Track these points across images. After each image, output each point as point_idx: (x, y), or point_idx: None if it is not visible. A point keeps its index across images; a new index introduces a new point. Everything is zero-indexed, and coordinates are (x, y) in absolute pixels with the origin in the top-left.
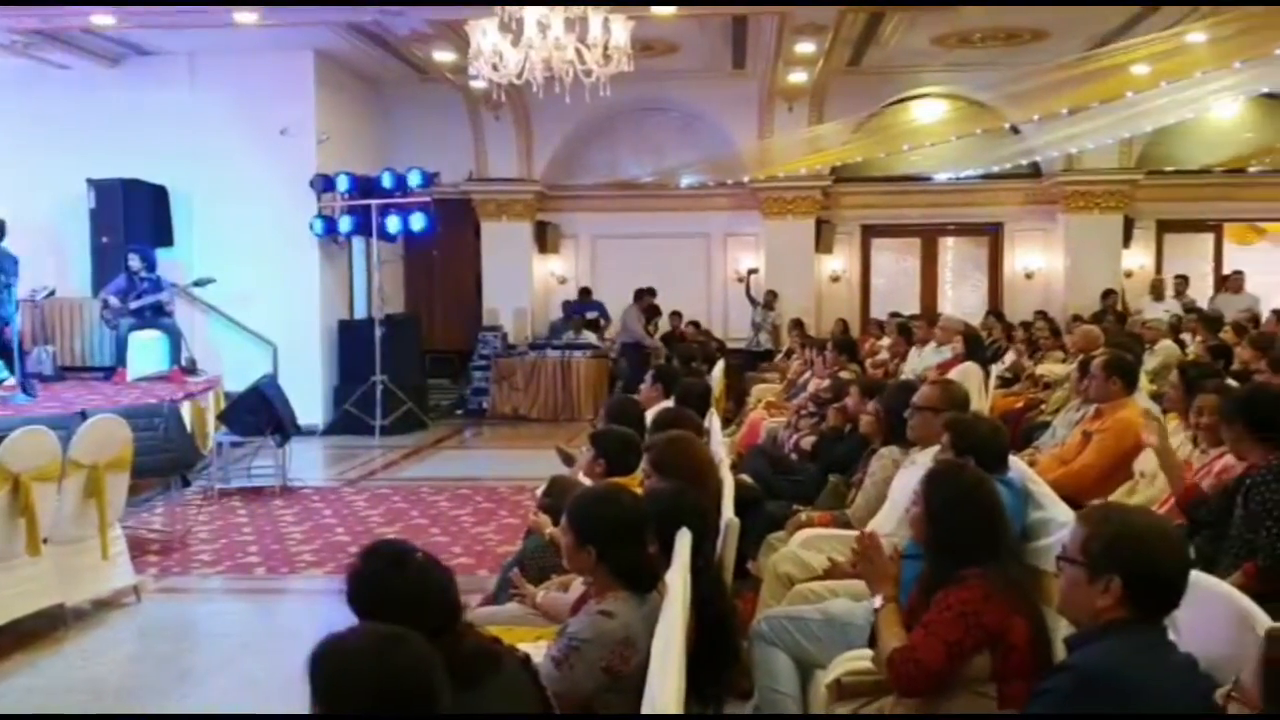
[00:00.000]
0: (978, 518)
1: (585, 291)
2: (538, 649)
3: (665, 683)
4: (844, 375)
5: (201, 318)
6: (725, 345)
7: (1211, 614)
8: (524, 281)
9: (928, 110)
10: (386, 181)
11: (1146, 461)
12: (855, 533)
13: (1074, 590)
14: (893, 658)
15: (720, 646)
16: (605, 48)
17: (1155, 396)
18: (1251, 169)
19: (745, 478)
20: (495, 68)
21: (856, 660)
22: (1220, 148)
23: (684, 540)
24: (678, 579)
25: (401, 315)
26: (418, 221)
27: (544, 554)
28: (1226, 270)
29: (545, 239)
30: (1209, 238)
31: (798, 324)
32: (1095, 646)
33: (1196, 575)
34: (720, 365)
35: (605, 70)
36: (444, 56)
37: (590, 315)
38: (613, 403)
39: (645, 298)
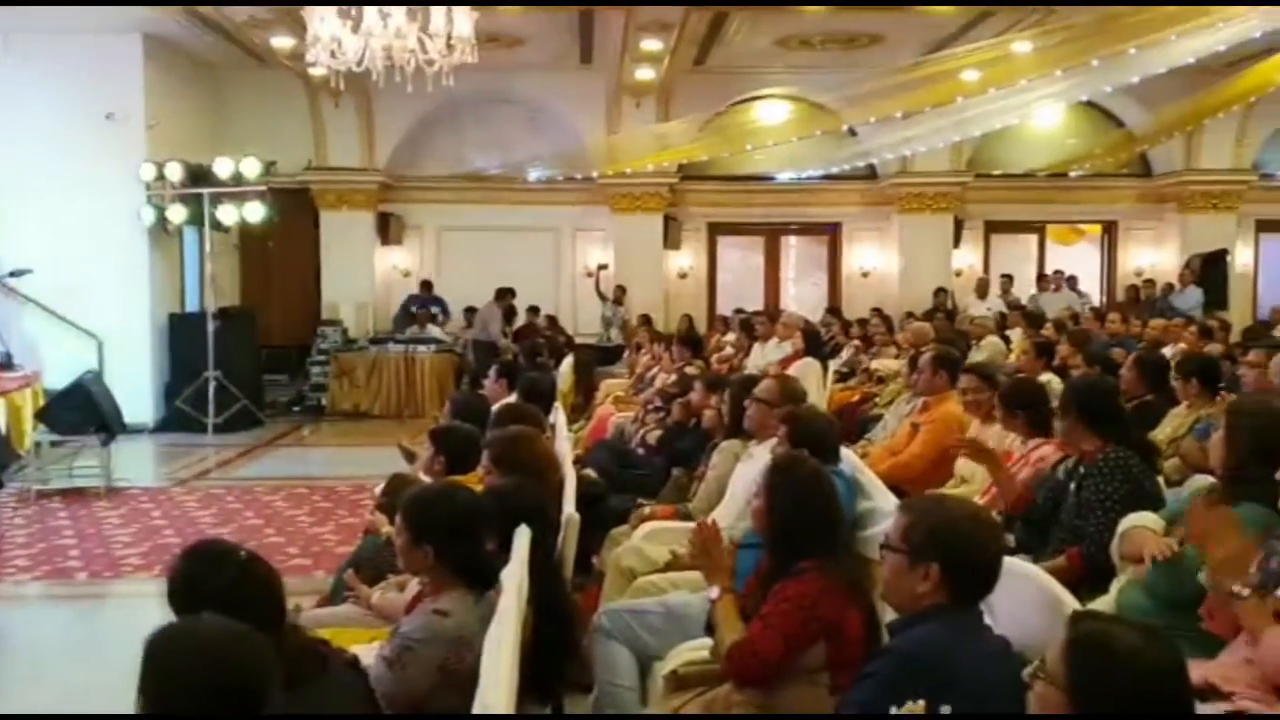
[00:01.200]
0: (817, 510)
1: (426, 285)
2: (371, 650)
3: (496, 680)
4: (691, 370)
5: (19, 310)
6: (574, 340)
7: (1024, 598)
8: (366, 274)
9: (771, 111)
10: (221, 169)
11: (966, 465)
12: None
13: (896, 577)
14: (731, 651)
15: (559, 642)
16: (448, 38)
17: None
18: (1072, 173)
19: (590, 473)
20: (334, 55)
21: (694, 651)
22: (1044, 152)
23: (523, 537)
24: (514, 576)
25: (236, 309)
26: (254, 211)
27: (381, 554)
28: (1049, 269)
29: (388, 230)
30: (1033, 238)
31: (646, 320)
32: (915, 630)
33: (1010, 561)
34: (569, 360)
35: (448, 61)
36: (282, 42)
37: (430, 310)
38: (457, 399)
39: (506, 298)
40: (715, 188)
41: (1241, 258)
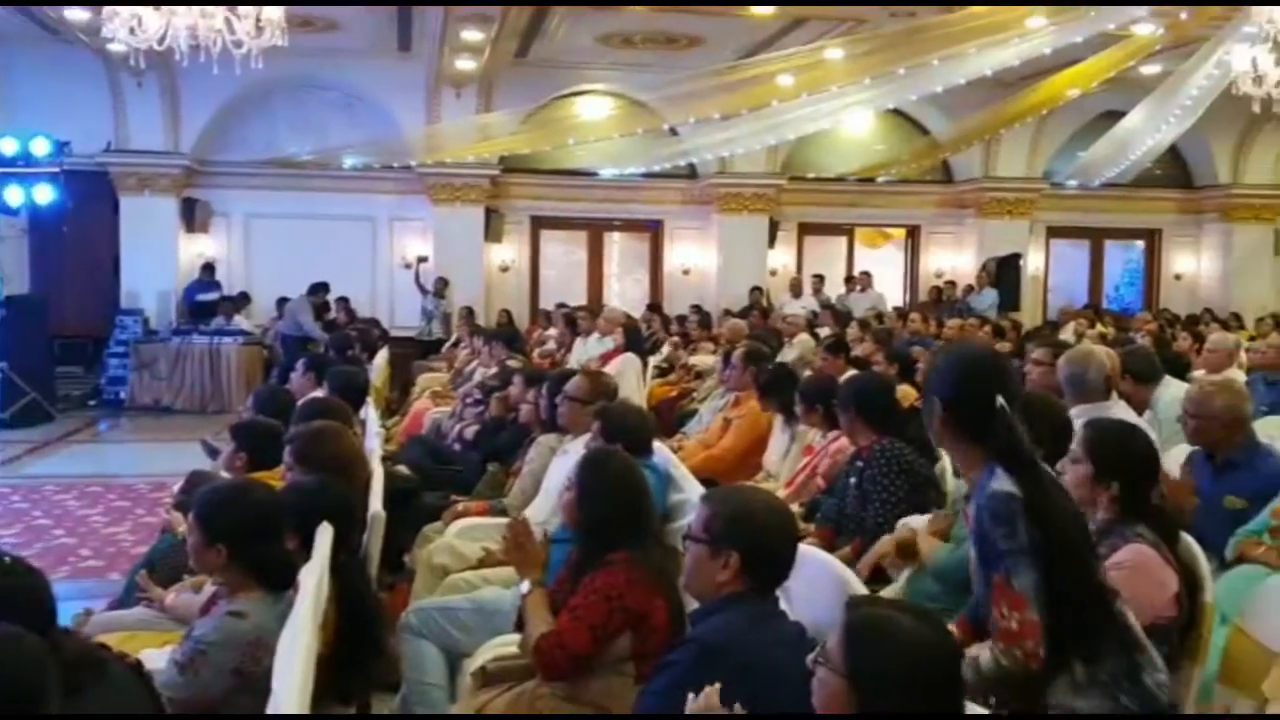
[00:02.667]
0: (626, 503)
1: (208, 268)
2: (164, 654)
3: (289, 681)
4: (512, 364)
5: None
6: (389, 334)
7: (818, 584)
8: (169, 262)
9: (594, 107)
10: (8, 148)
11: (771, 461)
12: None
13: (697, 566)
14: (539, 644)
15: (363, 641)
16: (257, 19)
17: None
18: (880, 179)
19: (402, 469)
20: (133, 31)
21: (503, 647)
22: (854, 158)
23: (325, 535)
24: (313, 574)
25: (25, 296)
26: (45, 193)
27: (177, 553)
28: (857, 270)
29: (193, 217)
30: (843, 240)
31: (467, 313)
32: (715, 619)
33: (805, 548)
34: (383, 354)
35: (257, 43)
36: (76, 14)
37: (209, 297)
38: (261, 392)
39: (320, 293)
40: (538, 181)
41: (1034, 261)
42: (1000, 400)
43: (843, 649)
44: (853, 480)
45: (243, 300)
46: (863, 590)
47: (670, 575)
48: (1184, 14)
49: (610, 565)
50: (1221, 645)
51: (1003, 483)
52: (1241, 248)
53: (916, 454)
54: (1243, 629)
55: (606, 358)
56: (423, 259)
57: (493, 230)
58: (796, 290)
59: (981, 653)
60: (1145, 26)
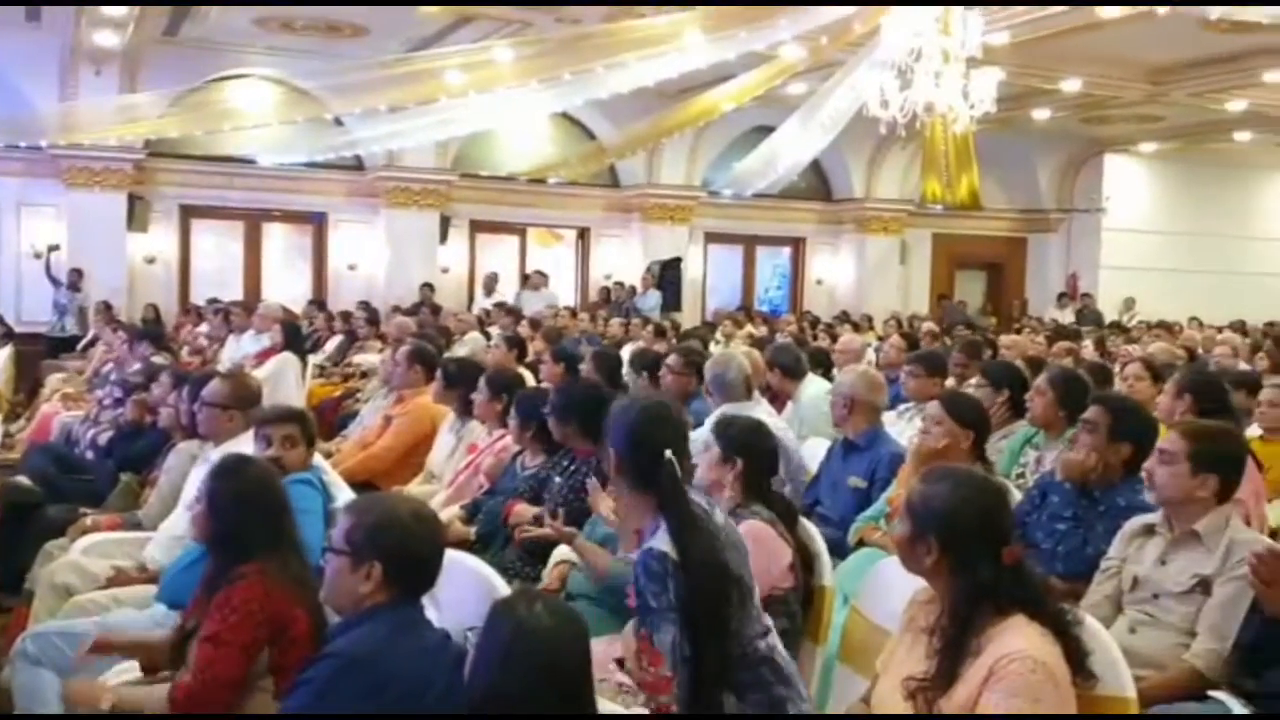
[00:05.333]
0: (261, 512)
1: None
2: None
3: None
4: (159, 361)
5: None
6: (14, 330)
7: (466, 588)
8: None
9: (252, 92)
10: None
11: (437, 462)
12: (147, 535)
13: (338, 579)
14: (190, 687)
15: None
16: None
17: None
18: (551, 180)
19: (23, 480)
20: None
21: (131, 673)
22: (525, 158)
23: None
24: None
25: None
26: None
27: None
28: (529, 270)
29: None
30: (516, 239)
31: (105, 307)
32: (356, 632)
33: (453, 554)
34: (7, 351)
35: None
36: None
37: None
38: None
39: None
40: (189, 168)
41: (693, 265)
42: (668, 453)
43: (477, 640)
44: (557, 480)
45: None
46: (507, 592)
47: (311, 586)
48: (824, 39)
49: (244, 578)
50: (841, 625)
51: (660, 541)
52: (873, 256)
53: None
54: (858, 609)
55: (263, 356)
56: (54, 248)
57: (137, 219)
58: (490, 286)
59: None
60: (791, 49)
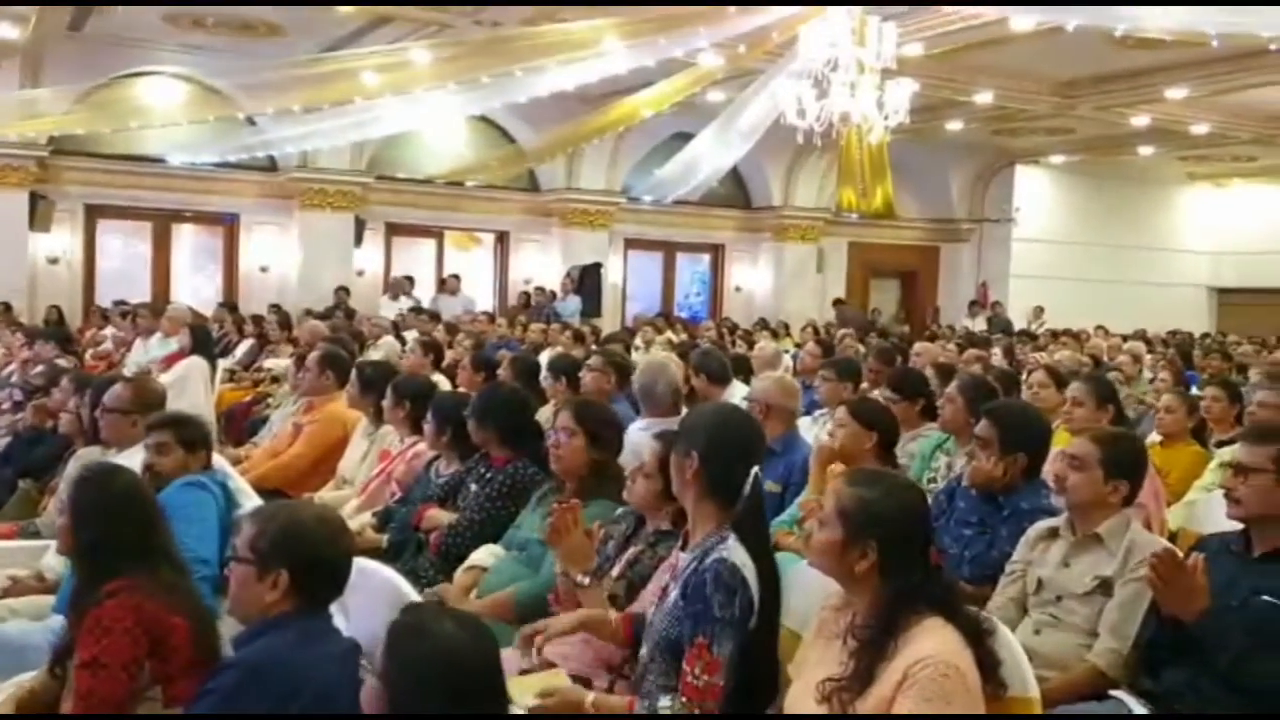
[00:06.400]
0: (131, 525)
1: None
2: None
3: None
4: (62, 363)
5: None
6: None
7: (377, 597)
8: None
9: (161, 89)
10: None
11: (349, 468)
12: (45, 544)
13: (243, 588)
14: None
15: None
16: None
17: None
18: (469, 183)
19: None
20: None
21: (30, 682)
22: (443, 160)
23: None
24: None
25: None
26: None
27: None
28: (447, 273)
29: None
30: (433, 243)
31: (6, 308)
32: (261, 641)
33: (363, 561)
34: None
35: None
36: None
37: None
38: None
39: None
40: (95, 166)
41: (613, 270)
42: (756, 470)
43: (385, 653)
44: (474, 487)
45: None
46: (417, 598)
47: (188, 592)
48: (742, 48)
49: (112, 597)
50: None
51: (735, 553)
52: (790, 264)
53: (543, 475)
54: None
55: (170, 360)
56: None
57: (39, 218)
58: (395, 292)
59: (663, 698)
60: (708, 57)
